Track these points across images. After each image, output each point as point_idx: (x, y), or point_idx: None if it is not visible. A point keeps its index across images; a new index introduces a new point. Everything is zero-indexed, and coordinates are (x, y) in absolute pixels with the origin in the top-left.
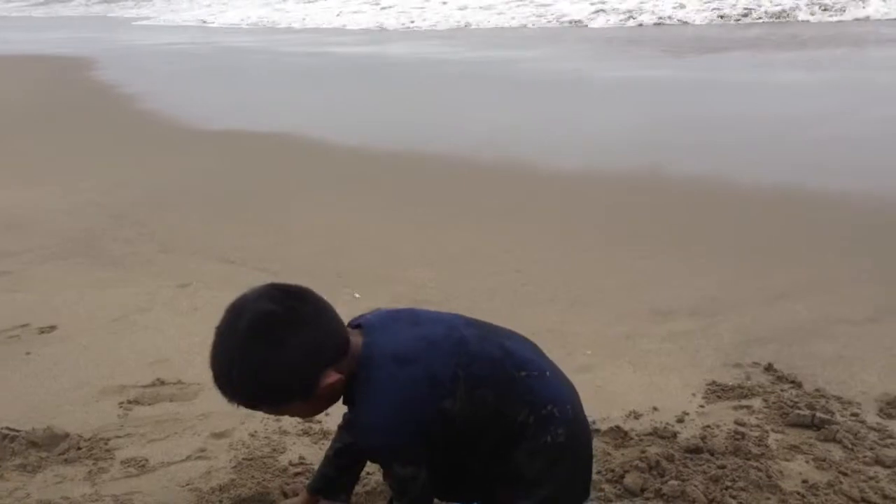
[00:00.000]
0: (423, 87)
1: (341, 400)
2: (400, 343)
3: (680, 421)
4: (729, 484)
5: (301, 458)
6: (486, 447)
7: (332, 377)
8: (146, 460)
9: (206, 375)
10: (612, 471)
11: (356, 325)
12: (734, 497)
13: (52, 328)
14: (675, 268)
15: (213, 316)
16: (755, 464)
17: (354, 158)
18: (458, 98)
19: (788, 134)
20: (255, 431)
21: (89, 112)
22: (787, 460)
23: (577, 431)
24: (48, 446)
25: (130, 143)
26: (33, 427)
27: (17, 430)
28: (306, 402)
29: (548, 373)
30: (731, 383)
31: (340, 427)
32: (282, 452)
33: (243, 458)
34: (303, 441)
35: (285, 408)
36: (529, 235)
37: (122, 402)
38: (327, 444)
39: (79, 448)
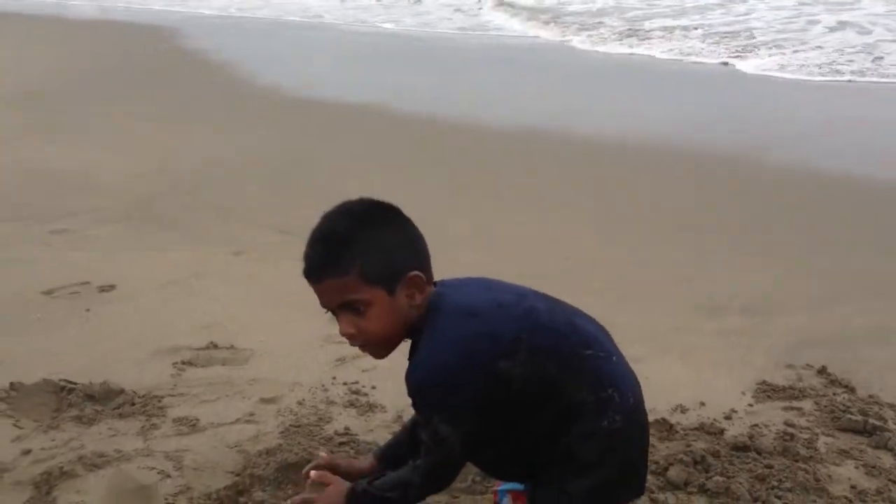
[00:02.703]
0: (487, 63)
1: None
2: (470, 299)
3: (727, 418)
4: (775, 484)
5: (346, 428)
6: (538, 423)
7: (419, 276)
8: (197, 420)
9: (258, 342)
10: (656, 462)
11: (433, 283)
12: (779, 497)
13: (112, 287)
14: (729, 262)
15: (265, 285)
16: (803, 466)
17: (422, 133)
18: (518, 77)
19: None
20: (303, 400)
21: (163, 78)
22: (836, 464)
23: (636, 422)
24: (103, 400)
25: (198, 111)
26: (90, 381)
27: (75, 383)
28: (387, 300)
29: (614, 357)
30: (782, 384)
31: None
32: (328, 422)
33: (290, 425)
34: (349, 412)
35: (368, 294)
36: (581, 222)
37: (175, 363)
38: (373, 417)
39: (133, 404)
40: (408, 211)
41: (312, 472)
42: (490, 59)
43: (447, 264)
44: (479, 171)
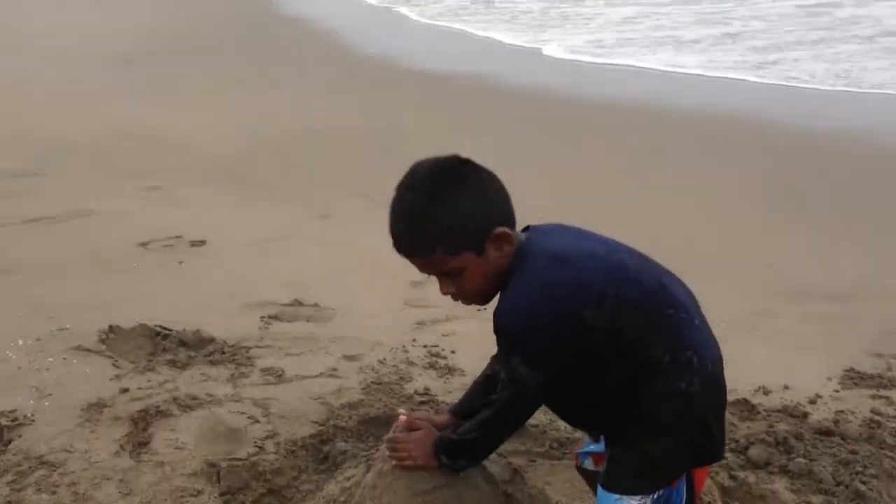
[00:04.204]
0: None
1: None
2: (560, 245)
3: (812, 402)
4: (860, 469)
5: (426, 388)
6: (614, 377)
7: (504, 230)
8: (283, 371)
9: (342, 302)
10: (737, 441)
11: (525, 228)
12: (864, 483)
13: (203, 242)
14: (819, 245)
15: (349, 248)
16: (890, 454)
17: (524, 104)
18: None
19: None
20: (384, 359)
21: (262, 44)
22: None
23: (714, 387)
24: (196, 347)
25: (294, 77)
26: (184, 328)
27: (169, 330)
28: (477, 260)
29: (696, 321)
30: (870, 372)
31: (494, 356)
32: (408, 381)
33: (372, 382)
34: (429, 374)
35: (458, 259)
36: (667, 199)
37: (262, 317)
38: (452, 379)
39: (223, 352)
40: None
41: (402, 416)
42: None
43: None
44: (570, 142)
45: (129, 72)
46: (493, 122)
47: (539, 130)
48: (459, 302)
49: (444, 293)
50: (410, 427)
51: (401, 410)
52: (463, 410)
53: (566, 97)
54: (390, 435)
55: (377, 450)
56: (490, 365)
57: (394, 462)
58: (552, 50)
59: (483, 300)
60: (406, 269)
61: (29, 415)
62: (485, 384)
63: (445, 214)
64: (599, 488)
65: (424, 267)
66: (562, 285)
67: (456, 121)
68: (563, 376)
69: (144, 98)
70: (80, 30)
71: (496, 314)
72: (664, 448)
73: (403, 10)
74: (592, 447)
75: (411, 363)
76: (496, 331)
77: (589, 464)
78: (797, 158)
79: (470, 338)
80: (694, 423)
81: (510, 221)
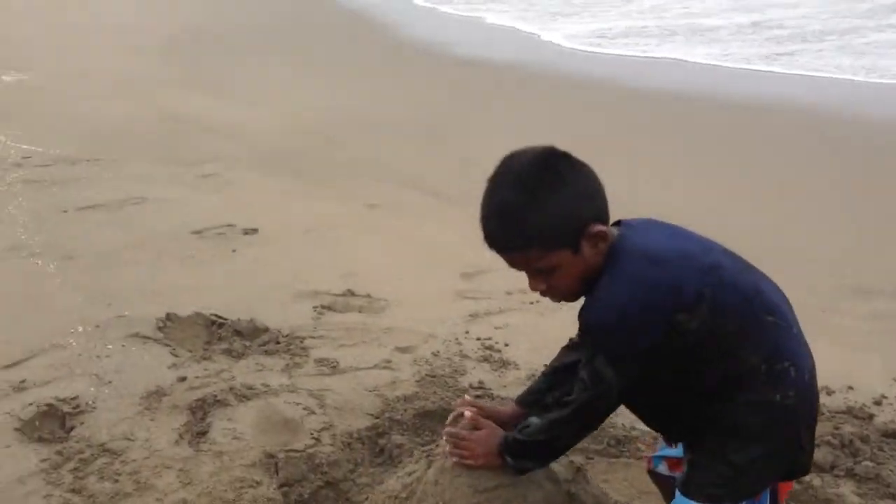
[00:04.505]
0: None
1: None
2: (655, 244)
3: (877, 403)
4: None
5: (480, 382)
6: (703, 383)
7: (600, 227)
8: (337, 362)
9: (393, 293)
10: None
11: (615, 222)
12: None
13: (255, 231)
14: (884, 244)
15: (398, 238)
16: None
17: (575, 94)
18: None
19: None
20: (438, 351)
21: (316, 33)
22: None
23: (808, 400)
24: (251, 336)
25: (346, 67)
26: (238, 318)
27: (224, 319)
28: (573, 258)
29: (794, 329)
30: None
31: (564, 347)
32: (462, 374)
33: (426, 374)
34: (483, 367)
35: (552, 257)
36: (736, 193)
37: (315, 307)
38: (506, 373)
39: (277, 342)
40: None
41: (467, 413)
42: None
43: None
44: (625, 137)
45: (180, 60)
46: (548, 112)
47: (602, 121)
48: (548, 298)
49: (534, 289)
50: (475, 426)
51: (466, 398)
52: (528, 401)
53: (624, 86)
54: (453, 430)
55: (437, 445)
56: (559, 357)
57: (455, 460)
58: (607, 46)
59: (573, 297)
60: (457, 260)
61: (90, 402)
62: (553, 376)
63: (542, 212)
64: (678, 493)
65: (515, 263)
66: (656, 286)
67: (509, 111)
68: (648, 380)
69: (195, 86)
70: (131, 18)
71: (584, 312)
72: (752, 459)
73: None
74: (668, 451)
75: (465, 356)
76: (582, 329)
77: (663, 468)
78: (864, 154)
79: (523, 331)
80: (786, 435)
81: (605, 217)
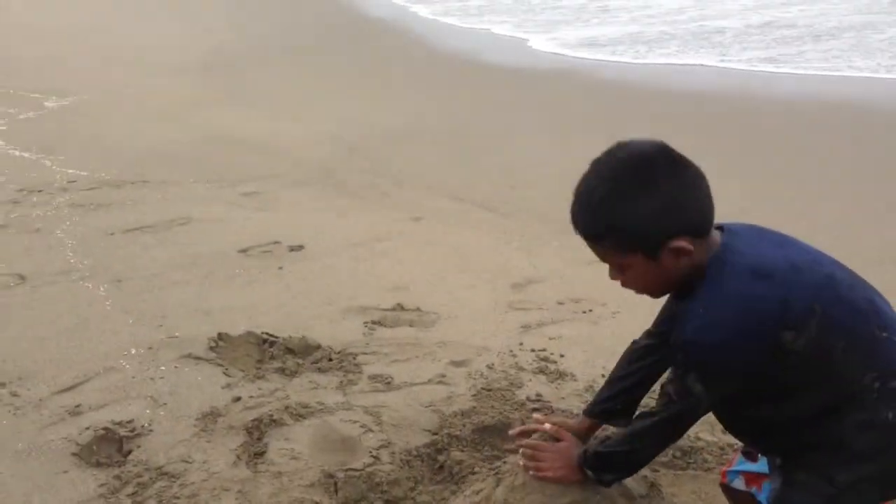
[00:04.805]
0: None
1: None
2: (761, 256)
3: None
4: None
5: (538, 394)
6: (806, 403)
7: (684, 244)
8: (391, 378)
9: (443, 306)
10: None
11: (717, 226)
12: None
13: (301, 247)
14: None
15: (446, 250)
16: None
17: (613, 101)
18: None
19: None
20: (493, 364)
21: (347, 46)
22: None
23: None
24: (303, 354)
25: (379, 79)
26: (290, 335)
27: (276, 337)
28: (648, 263)
29: None
30: None
31: (626, 352)
32: (519, 387)
33: (482, 388)
34: (539, 379)
35: (626, 257)
36: (784, 191)
37: (366, 322)
38: (564, 385)
39: (330, 359)
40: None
41: (548, 425)
42: None
43: None
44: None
45: (215, 78)
46: (583, 119)
47: (646, 125)
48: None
49: (613, 279)
50: (554, 437)
51: (536, 416)
52: (597, 411)
53: (651, 92)
54: (531, 442)
55: (504, 462)
56: (621, 364)
57: (531, 473)
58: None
59: (653, 295)
60: (506, 271)
61: (146, 425)
62: (618, 383)
63: (623, 211)
64: None
65: (592, 249)
66: (762, 301)
67: (548, 121)
68: (740, 397)
69: (232, 104)
70: (163, 40)
71: (681, 328)
72: (857, 478)
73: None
74: (746, 466)
75: (520, 368)
76: (676, 345)
77: (739, 483)
78: None
79: (577, 341)
80: (893, 456)
81: (700, 229)
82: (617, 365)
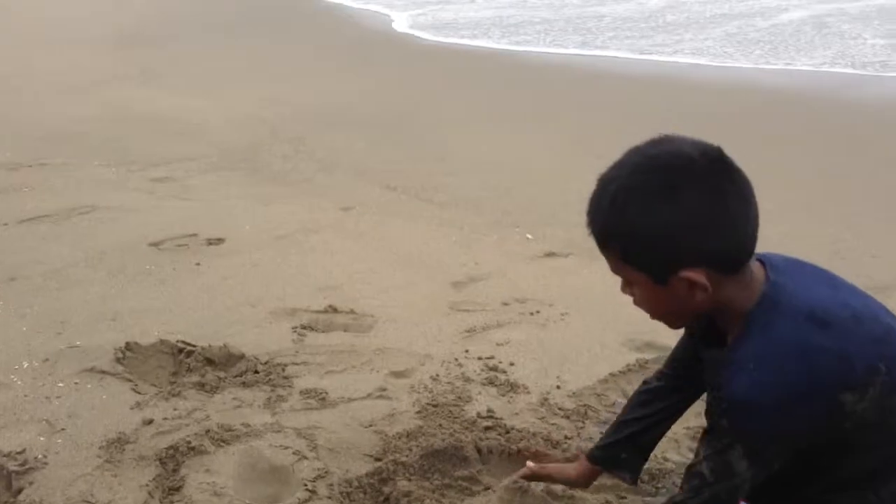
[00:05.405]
0: None
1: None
2: (819, 300)
3: None
4: None
5: (490, 410)
6: (853, 470)
7: (698, 278)
8: (326, 393)
9: (379, 307)
10: None
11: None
12: None
13: (220, 240)
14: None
15: (379, 244)
16: None
17: (541, 88)
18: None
19: None
20: (437, 375)
21: (277, 24)
22: None
23: None
24: (224, 366)
25: (307, 59)
26: (209, 344)
27: (193, 346)
28: (653, 286)
29: None
30: None
31: (638, 391)
32: (468, 402)
33: (427, 403)
34: (489, 391)
35: (630, 272)
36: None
37: (295, 327)
38: (516, 398)
39: (256, 371)
40: (524, 171)
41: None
42: None
43: (574, 229)
44: (601, 127)
45: (130, 54)
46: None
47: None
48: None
49: (623, 293)
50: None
51: (530, 464)
52: (601, 457)
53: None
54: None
55: None
56: (633, 404)
57: None
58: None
59: (669, 325)
60: (445, 268)
61: (40, 456)
62: (626, 427)
63: (632, 216)
64: None
65: (602, 253)
66: (822, 356)
67: (484, 103)
68: (782, 473)
69: (147, 82)
70: (76, 11)
71: (727, 388)
72: None
73: None
74: None
75: (468, 379)
76: (718, 409)
77: None
78: None
79: (527, 347)
80: None
81: (726, 265)
82: (626, 405)
